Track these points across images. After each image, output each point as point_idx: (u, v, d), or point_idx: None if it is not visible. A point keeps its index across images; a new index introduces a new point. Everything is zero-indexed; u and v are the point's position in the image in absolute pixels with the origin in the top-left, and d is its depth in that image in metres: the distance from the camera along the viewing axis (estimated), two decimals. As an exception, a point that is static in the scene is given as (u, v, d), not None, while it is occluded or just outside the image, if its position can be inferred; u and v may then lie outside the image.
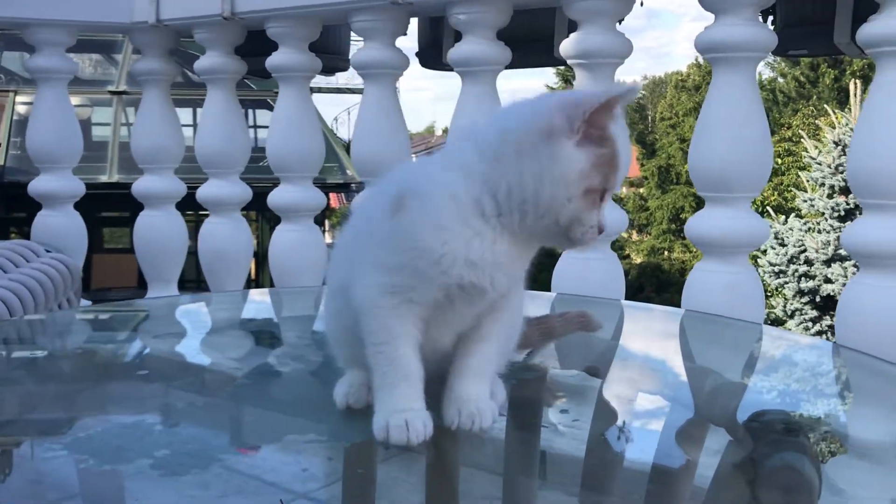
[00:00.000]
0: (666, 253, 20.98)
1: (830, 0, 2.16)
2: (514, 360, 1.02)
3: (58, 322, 1.58)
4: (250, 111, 13.05)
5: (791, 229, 10.99)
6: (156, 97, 2.64)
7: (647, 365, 1.28)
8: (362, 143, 2.28)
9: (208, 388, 1.11)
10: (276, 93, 2.43)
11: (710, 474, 0.84)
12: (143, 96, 2.68)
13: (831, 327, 9.29)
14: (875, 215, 1.63)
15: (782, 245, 10.91)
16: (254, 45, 2.49)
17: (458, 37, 2.13)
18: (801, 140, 12.38)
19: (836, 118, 10.97)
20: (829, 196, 10.63)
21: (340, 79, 17.08)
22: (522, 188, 0.77)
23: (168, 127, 2.66)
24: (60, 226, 2.65)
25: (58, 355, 1.29)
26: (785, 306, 10.76)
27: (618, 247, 20.30)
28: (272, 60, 2.35)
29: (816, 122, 13.03)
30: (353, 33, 2.52)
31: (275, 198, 2.42)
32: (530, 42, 2.35)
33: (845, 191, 10.11)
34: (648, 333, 1.51)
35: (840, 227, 9.99)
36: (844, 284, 1.73)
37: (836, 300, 1.74)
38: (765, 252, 10.99)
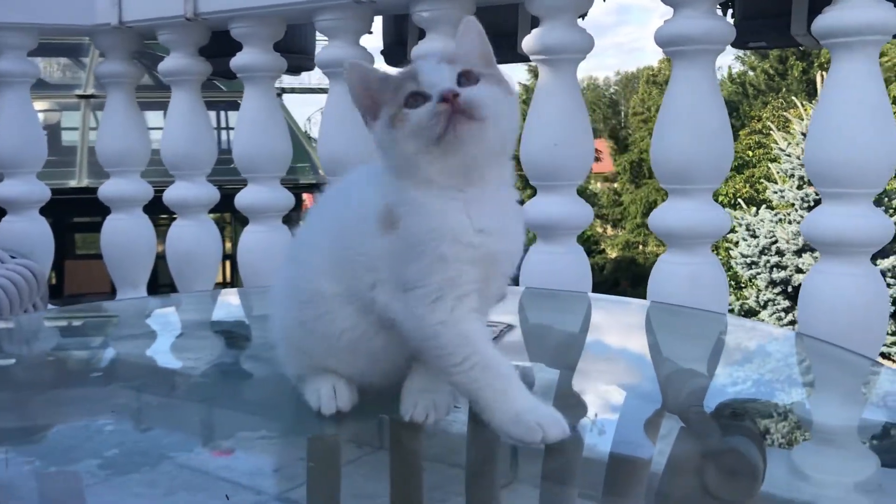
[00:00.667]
0: (640, 247, 21.11)
1: (788, -8, 2.19)
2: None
3: (23, 327, 1.57)
4: (221, 112, 12.97)
5: (762, 221, 11.11)
6: (120, 100, 2.62)
7: (613, 356, 1.30)
8: (328, 141, 2.27)
9: (168, 389, 1.11)
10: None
11: (669, 462, 0.85)
12: (107, 99, 2.66)
13: (803, 317, 9.38)
14: (833, 204, 1.66)
15: (754, 237, 11.03)
16: (219, 45, 2.47)
17: (422, 34, 2.14)
18: (771, 132, 12.51)
19: (805, 110, 11.10)
20: (799, 187, 10.76)
21: (313, 78, 17.01)
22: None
23: (133, 129, 2.64)
24: (26, 231, 2.63)
25: (21, 360, 1.28)
26: (758, 297, 10.88)
27: (593, 241, 20.43)
28: (236, 61, 2.34)
29: (786, 114, 13.16)
30: (318, 32, 2.51)
31: (242, 199, 2.41)
32: (494, 39, 2.35)
33: (815, 181, 10.21)
34: (615, 325, 1.53)
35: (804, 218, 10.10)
36: (807, 274, 1.75)
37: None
38: (737, 244, 11.11)
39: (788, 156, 10.84)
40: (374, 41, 2.99)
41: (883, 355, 9.99)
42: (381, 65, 2.66)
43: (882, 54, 1.72)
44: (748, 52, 20.04)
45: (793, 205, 10.87)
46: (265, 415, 0.94)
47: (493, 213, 0.82)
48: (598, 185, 23.75)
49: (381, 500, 0.75)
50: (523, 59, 2.24)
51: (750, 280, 11.16)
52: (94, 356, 1.32)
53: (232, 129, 12.29)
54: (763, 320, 10.40)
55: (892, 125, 1.62)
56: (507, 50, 2.43)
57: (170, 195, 2.53)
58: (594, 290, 2.00)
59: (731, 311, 10.52)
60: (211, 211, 2.65)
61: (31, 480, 0.78)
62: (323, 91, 18.00)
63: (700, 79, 1.77)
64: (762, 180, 13.69)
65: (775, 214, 11.17)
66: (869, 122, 1.60)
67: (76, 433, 0.88)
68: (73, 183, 12.21)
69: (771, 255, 10.69)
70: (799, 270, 10.33)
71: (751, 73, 22.32)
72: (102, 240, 2.66)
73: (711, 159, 1.79)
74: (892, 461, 0.88)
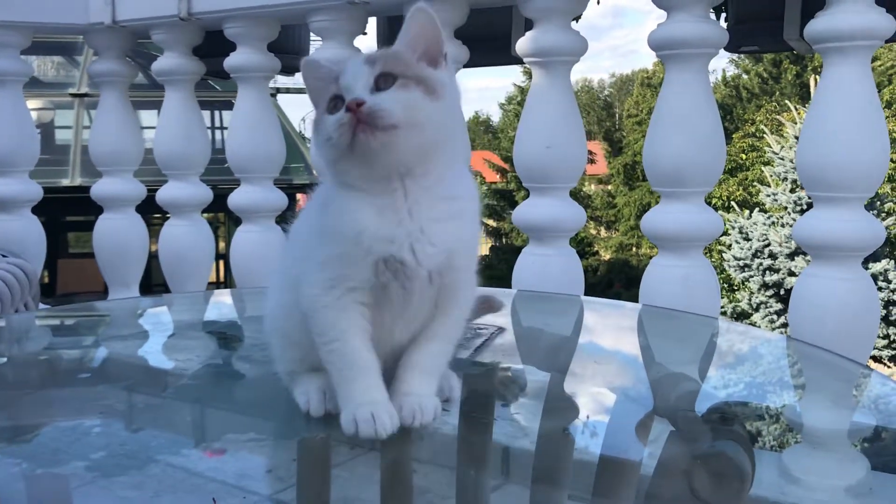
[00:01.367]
0: (634, 249, 21.14)
1: (780, -3, 2.20)
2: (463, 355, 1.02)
3: (14, 327, 1.57)
4: (215, 112, 12.95)
5: (755, 224, 11.14)
6: (114, 99, 2.62)
7: (604, 359, 1.30)
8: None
9: (158, 389, 1.10)
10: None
11: (656, 465, 0.86)
12: (100, 98, 2.65)
13: (795, 320, 9.40)
14: (824, 208, 1.66)
15: (747, 239, 11.06)
16: (213, 45, 2.47)
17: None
18: (764, 136, 12.54)
19: (798, 114, 11.13)
20: (792, 190, 10.79)
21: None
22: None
23: (127, 129, 2.63)
24: (18, 230, 2.62)
25: (11, 360, 1.27)
26: (750, 299, 10.90)
27: (586, 243, 20.45)
28: (230, 61, 2.33)
29: (779, 117, 13.19)
30: (312, 33, 2.51)
31: (235, 199, 2.41)
32: (488, 41, 2.36)
33: (807, 185, 10.24)
34: (607, 328, 1.53)
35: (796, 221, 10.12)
36: (798, 277, 1.76)
37: (796, 293, 1.77)
38: (730, 247, 11.14)
39: (782, 159, 10.88)
40: (368, 42, 3.00)
41: (874, 358, 10.02)
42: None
43: (874, 59, 1.73)
44: (742, 56, 20.09)
45: (786, 208, 10.90)
46: (255, 415, 0.94)
47: (416, 218, 0.81)
48: (592, 186, 23.76)
49: (371, 502, 0.75)
50: (517, 61, 2.24)
51: (743, 283, 11.18)
52: (85, 356, 1.32)
53: (226, 128, 12.28)
54: (755, 323, 10.42)
55: (883, 130, 1.62)
56: (501, 52, 2.43)
57: (163, 195, 2.53)
58: (587, 292, 2.01)
59: (724, 313, 10.55)
60: (204, 211, 2.65)
61: (18, 482, 0.77)
62: (317, 91, 17.98)
63: (693, 82, 1.78)
64: (755, 183, 13.73)
65: (768, 217, 11.20)
66: (861, 126, 1.61)
67: (63, 434, 0.88)
68: (66, 182, 12.18)
69: (764, 258, 10.72)
70: (792, 273, 10.36)
71: (744, 76, 22.38)
72: (95, 239, 2.65)
73: (704, 162, 1.79)
74: (883, 464, 0.89)
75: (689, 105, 1.78)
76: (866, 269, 1.74)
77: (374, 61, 0.81)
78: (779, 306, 10.59)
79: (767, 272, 10.64)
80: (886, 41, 1.64)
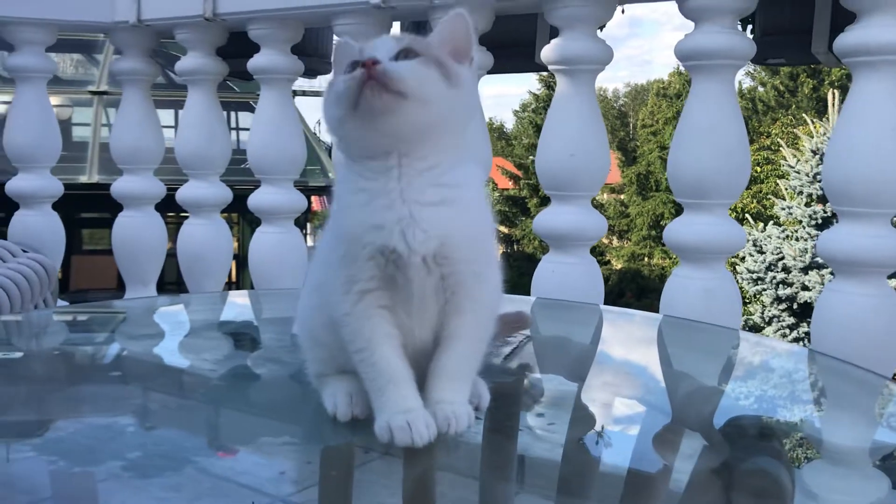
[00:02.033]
0: (646, 259, 21.08)
1: (808, 10, 2.19)
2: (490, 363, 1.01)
3: (34, 323, 1.57)
4: (233, 113, 12.99)
5: (769, 237, 11.08)
6: (136, 97, 2.63)
7: (625, 369, 1.29)
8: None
9: (183, 390, 1.10)
10: (259, 95, 2.43)
11: (684, 479, 0.85)
12: (122, 96, 2.66)
13: (808, 334, 9.36)
14: (850, 223, 1.65)
15: (760, 252, 11.00)
16: (236, 46, 2.48)
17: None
18: (780, 149, 12.49)
19: (815, 127, 11.07)
20: (807, 204, 10.72)
21: (323, 82, 17.07)
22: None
23: (148, 127, 2.65)
24: (38, 226, 2.63)
25: (33, 356, 1.27)
26: (763, 313, 10.84)
27: (598, 252, 20.39)
28: (254, 62, 2.34)
29: (795, 130, 13.14)
30: (335, 36, 2.52)
31: (255, 200, 2.41)
32: (512, 48, 2.36)
33: (823, 199, 10.21)
34: (626, 338, 1.52)
35: (818, 235, 10.08)
36: (821, 292, 1.74)
37: (813, 307, 1.75)
38: (743, 259, 11.08)
39: (797, 172, 10.81)
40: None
41: None
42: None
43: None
44: (758, 68, 20.03)
45: (800, 222, 10.84)
46: (286, 419, 0.93)
47: (409, 202, 0.80)
48: (605, 196, 23.71)
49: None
50: (540, 68, 2.24)
51: (755, 296, 11.12)
52: (110, 354, 1.32)
53: (244, 129, 12.32)
54: (767, 336, 10.36)
55: (912, 145, 1.61)
56: (525, 59, 2.43)
57: (183, 194, 2.53)
58: (600, 302, 2.00)
59: (736, 326, 10.47)
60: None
61: (56, 480, 0.77)
62: (334, 94, 18.03)
63: (719, 93, 1.77)
64: (770, 196, 13.67)
65: (783, 231, 11.14)
66: (889, 141, 1.59)
67: (97, 433, 0.88)
68: (83, 178, 12.23)
69: (777, 272, 10.66)
70: (805, 288, 10.29)
71: (761, 88, 22.32)
72: (114, 237, 2.66)
73: (728, 174, 1.79)
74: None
75: (715, 116, 1.77)
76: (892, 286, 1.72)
77: (401, 39, 0.82)
78: (791, 320, 10.52)
79: (781, 286, 10.58)
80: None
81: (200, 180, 2.54)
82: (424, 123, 0.80)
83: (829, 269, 1.75)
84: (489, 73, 2.16)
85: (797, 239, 10.74)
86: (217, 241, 2.57)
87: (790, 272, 10.59)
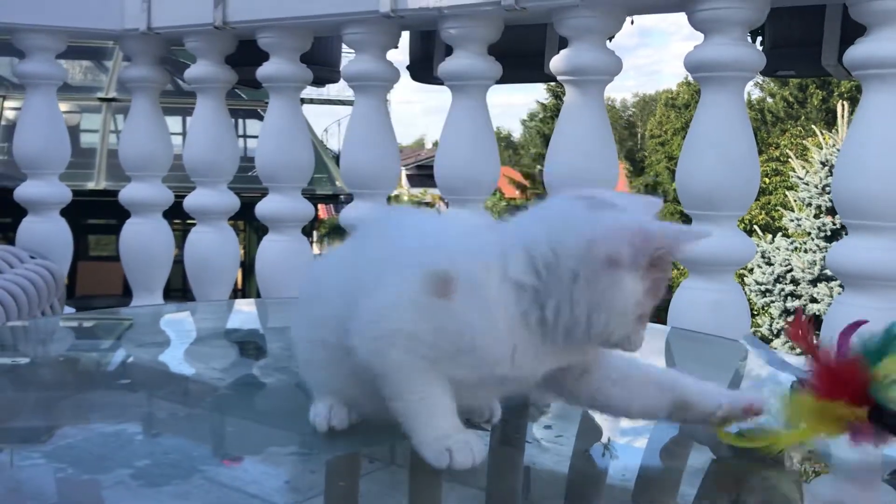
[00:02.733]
0: (653, 270, 21.04)
1: (818, 22, 2.18)
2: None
3: (41, 329, 1.57)
4: (240, 121, 13.05)
5: (778, 248, 11.07)
6: (145, 104, 2.64)
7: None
8: (352, 154, 2.28)
9: (190, 398, 1.10)
10: (267, 103, 2.43)
11: (692, 493, 0.84)
12: (132, 103, 2.68)
13: (816, 347, 9.30)
14: (860, 236, 1.64)
15: (769, 264, 10.98)
16: (245, 54, 2.49)
17: (449, 51, 2.14)
18: (789, 160, 12.48)
19: (824, 139, 11.07)
20: (816, 216, 10.72)
21: (331, 90, 17.12)
22: (574, 310, 0.72)
23: (156, 135, 2.66)
24: (46, 232, 2.64)
25: (40, 362, 1.28)
26: (771, 325, 10.82)
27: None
28: (263, 70, 2.35)
29: (804, 142, 13.14)
30: (344, 45, 2.52)
31: (263, 208, 2.42)
32: (521, 57, 2.36)
33: (832, 211, 10.19)
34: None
35: (826, 247, 10.07)
36: (830, 304, 1.73)
37: (823, 319, 1.74)
38: (751, 271, 11.06)
39: (806, 184, 10.81)
40: (400, 56, 3.01)
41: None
42: (406, 80, 2.67)
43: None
44: (767, 79, 20.03)
45: (809, 233, 10.82)
46: (292, 428, 0.93)
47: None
48: (613, 206, 23.66)
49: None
50: (549, 78, 2.24)
51: (763, 308, 11.10)
52: (119, 361, 1.32)
53: (252, 137, 12.37)
54: (775, 349, 10.33)
55: (923, 159, 1.60)
56: (533, 69, 2.43)
57: (191, 202, 2.54)
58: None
59: (744, 338, 10.43)
60: (227, 218, 2.66)
61: (63, 487, 0.77)
62: (342, 103, 18.12)
63: (729, 105, 1.77)
64: (778, 207, 13.65)
65: (791, 243, 11.13)
66: (900, 154, 1.59)
67: (105, 441, 0.88)
68: (91, 185, 12.29)
69: (786, 284, 10.64)
70: (814, 300, 10.27)
71: (770, 99, 22.32)
72: (121, 243, 2.67)
73: (737, 186, 1.78)
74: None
75: (724, 128, 1.77)
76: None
77: None
78: (800, 332, 10.48)
79: (789, 298, 10.56)
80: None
81: (208, 188, 2.54)
82: None
83: (838, 282, 1.74)
84: (497, 83, 2.16)
85: (806, 251, 10.73)
86: (224, 248, 2.58)
87: (799, 284, 10.57)
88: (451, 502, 0.80)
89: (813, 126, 14.45)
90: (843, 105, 11.62)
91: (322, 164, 13.61)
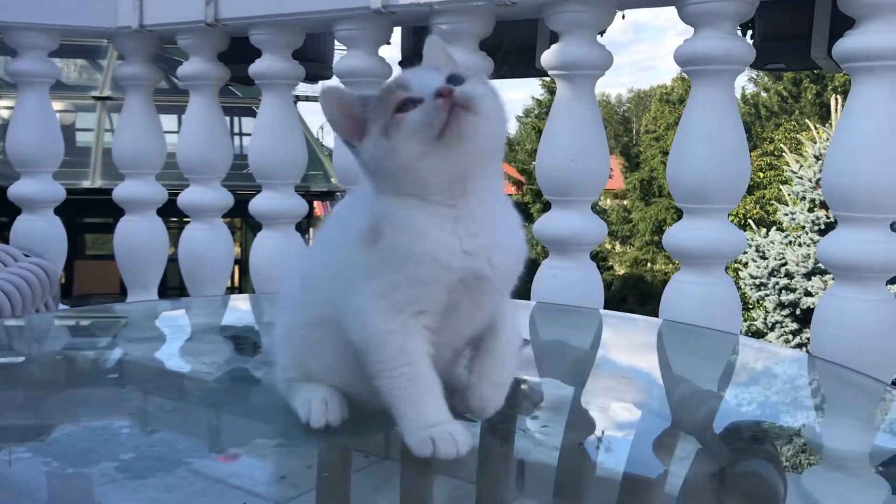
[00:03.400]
0: (648, 264, 21.06)
1: (808, 15, 2.19)
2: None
3: (35, 327, 1.57)
4: (235, 118, 13.02)
5: (772, 242, 11.08)
6: (138, 102, 2.64)
7: (624, 374, 1.29)
8: (344, 151, 2.28)
9: (184, 394, 1.11)
10: (260, 100, 2.44)
11: (681, 484, 0.85)
12: (125, 101, 2.67)
13: (811, 340, 9.33)
14: (850, 228, 1.65)
15: (763, 258, 10.99)
16: (238, 51, 2.49)
17: (440, 46, 2.14)
18: (783, 154, 12.49)
19: (818, 133, 11.08)
20: (810, 210, 10.73)
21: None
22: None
23: (150, 132, 2.66)
24: (40, 230, 2.64)
25: (34, 360, 1.28)
26: (765, 319, 10.83)
27: (601, 258, 20.39)
28: (255, 67, 2.35)
29: (798, 136, 13.14)
30: (336, 42, 2.53)
31: (256, 204, 2.42)
32: (513, 53, 2.36)
33: (826, 205, 10.18)
34: (626, 342, 1.52)
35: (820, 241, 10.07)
36: (821, 297, 1.74)
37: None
38: (746, 265, 11.07)
39: (800, 178, 10.82)
40: (392, 52, 3.01)
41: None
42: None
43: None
44: (761, 73, 20.04)
45: (803, 227, 10.83)
46: (285, 422, 0.93)
47: (485, 228, 0.80)
48: (608, 201, 23.72)
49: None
50: (541, 73, 2.25)
51: (758, 301, 11.11)
52: (109, 358, 1.32)
53: (245, 134, 12.35)
54: (769, 342, 10.35)
55: (911, 151, 1.61)
56: (525, 64, 2.44)
57: (184, 199, 2.54)
58: (602, 307, 2.00)
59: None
60: (222, 215, 2.66)
61: (50, 481, 0.78)
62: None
63: (719, 99, 1.77)
64: (773, 202, 13.66)
65: (785, 236, 11.14)
66: (888, 147, 1.59)
67: (92, 435, 0.88)
68: (86, 184, 12.26)
69: (780, 277, 10.65)
70: (808, 293, 10.29)
71: (764, 94, 22.31)
72: (116, 241, 2.67)
73: (728, 179, 1.79)
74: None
75: (714, 121, 1.78)
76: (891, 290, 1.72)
77: (437, 69, 0.82)
78: (794, 326, 10.51)
79: (783, 291, 10.57)
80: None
81: (202, 185, 2.54)
82: (494, 140, 0.81)
83: (832, 275, 1.75)
84: (490, 78, 2.15)
85: (800, 244, 10.74)
86: (218, 245, 2.58)
87: (793, 278, 10.58)
88: (442, 494, 0.80)
89: (807, 120, 14.45)
90: (836, 99, 11.64)
91: (317, 161, 13.60)
